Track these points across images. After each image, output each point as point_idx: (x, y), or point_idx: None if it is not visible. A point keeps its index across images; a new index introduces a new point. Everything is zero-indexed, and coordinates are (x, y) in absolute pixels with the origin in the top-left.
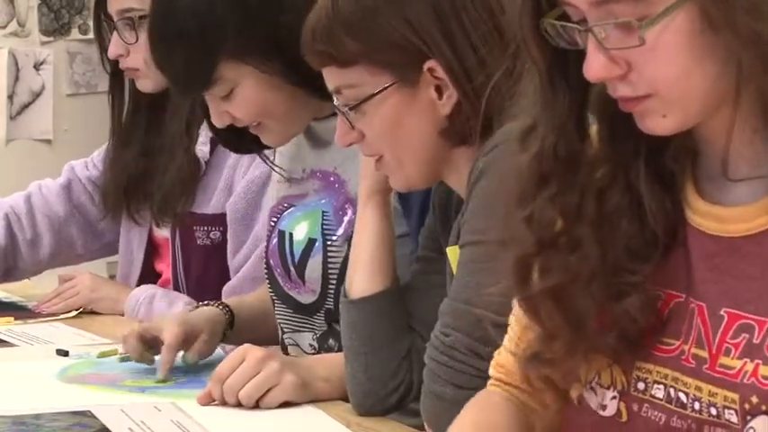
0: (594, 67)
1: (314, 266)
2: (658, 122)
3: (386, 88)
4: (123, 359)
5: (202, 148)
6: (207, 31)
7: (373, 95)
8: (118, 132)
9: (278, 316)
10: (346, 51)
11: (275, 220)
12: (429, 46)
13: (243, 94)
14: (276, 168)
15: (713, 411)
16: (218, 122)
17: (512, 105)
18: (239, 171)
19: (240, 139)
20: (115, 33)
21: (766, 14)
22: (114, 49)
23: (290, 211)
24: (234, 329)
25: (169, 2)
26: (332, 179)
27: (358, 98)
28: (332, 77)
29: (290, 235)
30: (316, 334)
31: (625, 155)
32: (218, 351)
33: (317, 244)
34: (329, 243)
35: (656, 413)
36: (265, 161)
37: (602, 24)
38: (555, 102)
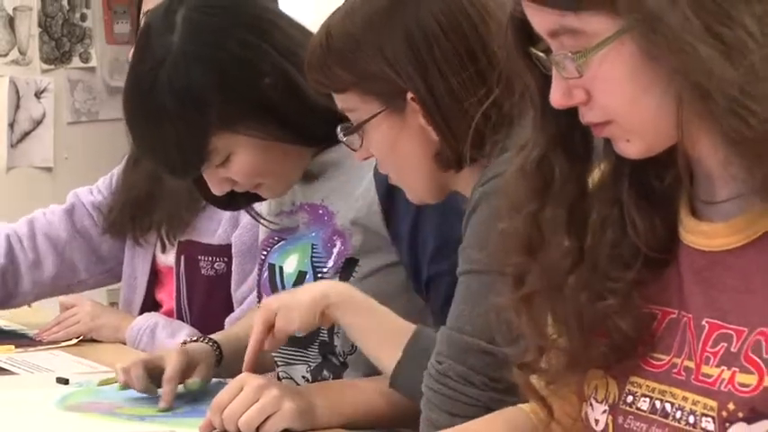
0: (556, 95)
1: None
2: (626, 147)
3: (376, 115)
4: (123, 388)
5: None
6: (190, 109)
7: (366, 121)
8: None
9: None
10: (338, 80)
11: (265, 253)
12: (403, 78)
13: (239, 160)
14: (264, 222)
15: (690, 419)
16: (219, 191)
17: (510, 135)
18: None
19: (230, 197)
20: None
21: (684, 48)
22: None
23: (280, 244)
24: (222, 364)
25: (145, 88)
26: (320, 212)
27: (356, 121)
28: (336, 101)
29: (281, 269)
30: (309, 366)
31: (614, 171)
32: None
33: (307, 277)
34: (320, 276)
35: (638, 424)
36: (255, 217)
37: (559, 55)
38: (544, 122)
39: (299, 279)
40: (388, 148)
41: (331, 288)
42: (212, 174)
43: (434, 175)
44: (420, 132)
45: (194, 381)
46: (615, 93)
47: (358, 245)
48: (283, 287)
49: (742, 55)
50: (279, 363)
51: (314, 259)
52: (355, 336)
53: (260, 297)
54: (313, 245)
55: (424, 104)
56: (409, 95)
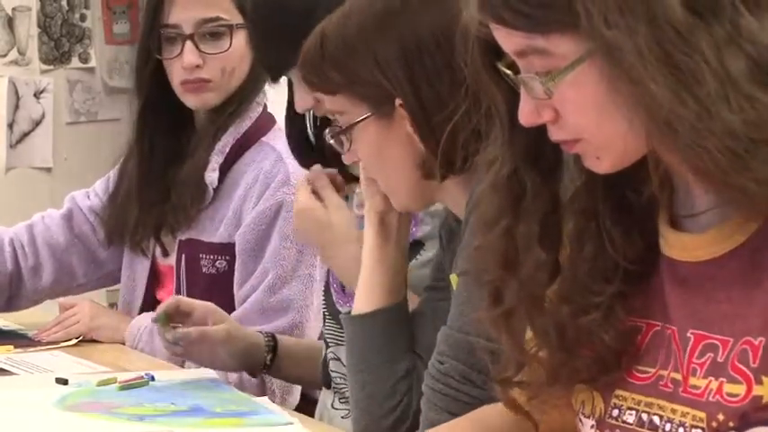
0: (524, 113)
1: None
2: (595, 163)
3: (364, 119)
4: (122, 388)
5: (211, 174)
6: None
7: (354, 124)
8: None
9: (326, 331)
10: (330, 82)
11: None
12: (393, 84)
13: None
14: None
15: (681, 431)
16: (301, 106)
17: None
18: (249, 202)
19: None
20: (189, 43)
21: (640, 81)
22: (193, 58)
23: None
24: (278, 360)
25: None
26: None
27: (344, 124)
28: (325, 102)
29: None
30: None
31: (588, 183)
32: (212, 376)
33: None
34: None
35: None
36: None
37: (527, 76)
38: (512, 137)
39: None
40: (374, 153)
41: None
42: (299, 82)
43: (419, 184)
44: (407, 140)
45: (173, 333)
46: (583, 115)
47: (428, 230)
48: None
49: (699, 85)
50: (330, 344)
51: None
52: None
53: (327, 280)
54: None
55: (412, 112)
56: (398, 102)
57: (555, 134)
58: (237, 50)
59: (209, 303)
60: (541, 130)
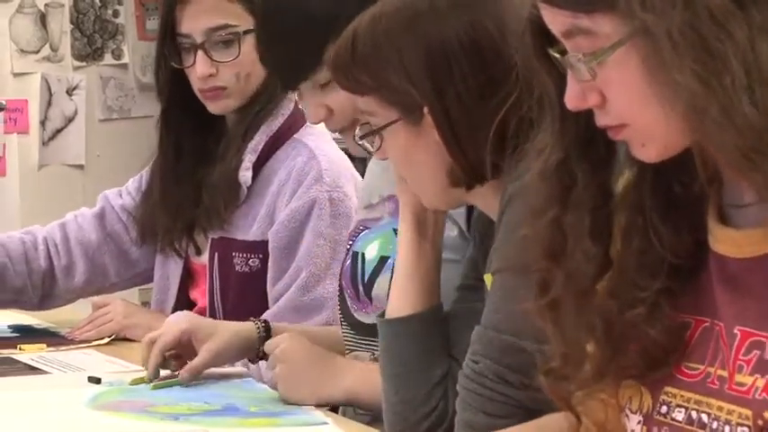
0: (571, 97)
1: (382, 284)
2: (641, 151)
3: (392, 123)
4: (156, 387)
5: (245, 173)
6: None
7: (383, 128)
8: (163, 163)
9: (343, 335)
10: (359, 84)
11: (351, 243)
12: (420, 93)
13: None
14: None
15: (726, 430)
16: (314, 118)
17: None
18: (282, 199)
19: None
20: (201, 53)
21: (671, 67)
22: (206, 68)
23: (364, 233)
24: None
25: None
26: None
27: (373, 126)
28: (357, 102)
29: (363, 255)
30: (373, 354)
31: (637, 177)
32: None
33: (388, 261)
34: None
35: None
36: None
37: (573, 56)
38: (563, 125)
39: (380, 264)
40: (403, 156)
41: None
42: (312, 96)
43: (447, 189)
44: (435, 147)
45: (184, 375)
46: (626, 97)
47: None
48: (363, 273)
49: (727, 73)
50: (348, 348)
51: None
52: None
53: (340, 285)
54: (395, 230)
55: (438, 122)
56: (426, 110)
57: (601, 119)
58: (249, 55)
59: (184, 330)
60: (593, 120)
